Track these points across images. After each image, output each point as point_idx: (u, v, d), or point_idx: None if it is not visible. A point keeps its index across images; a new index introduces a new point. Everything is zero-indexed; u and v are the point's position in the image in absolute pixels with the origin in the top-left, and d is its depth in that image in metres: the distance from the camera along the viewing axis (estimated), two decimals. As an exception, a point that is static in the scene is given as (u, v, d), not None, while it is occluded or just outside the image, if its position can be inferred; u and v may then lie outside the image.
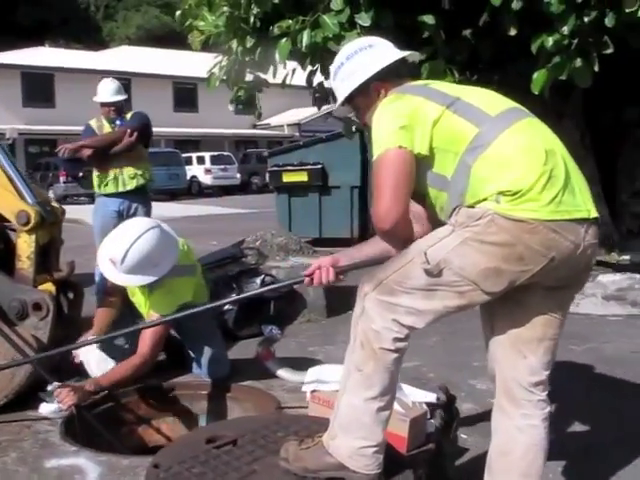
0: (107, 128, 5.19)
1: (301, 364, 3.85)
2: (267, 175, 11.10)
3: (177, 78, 33.89)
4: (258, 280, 5.14)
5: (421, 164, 2.00)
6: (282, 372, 3.49)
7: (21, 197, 3.04)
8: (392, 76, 2.16)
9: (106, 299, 3.39)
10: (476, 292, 1.93)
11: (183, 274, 3.23)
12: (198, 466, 2.31)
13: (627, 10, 3.67)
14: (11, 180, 3.07)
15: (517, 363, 2.11)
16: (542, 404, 2.12)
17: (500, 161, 1.90)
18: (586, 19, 3.85)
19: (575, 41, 3.92)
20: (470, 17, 4.44)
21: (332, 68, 2.30)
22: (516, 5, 4.06)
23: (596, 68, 4.07)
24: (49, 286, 3.11)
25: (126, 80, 32.73)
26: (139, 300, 3.34)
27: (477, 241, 1.88)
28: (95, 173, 5.28)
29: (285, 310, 5.15)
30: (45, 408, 3.05)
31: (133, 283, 3.08)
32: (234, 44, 5.17)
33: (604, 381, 3.90)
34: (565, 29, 3.87)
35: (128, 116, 5.30)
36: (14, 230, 3.33)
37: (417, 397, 2.75)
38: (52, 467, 2.51)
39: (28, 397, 3.06)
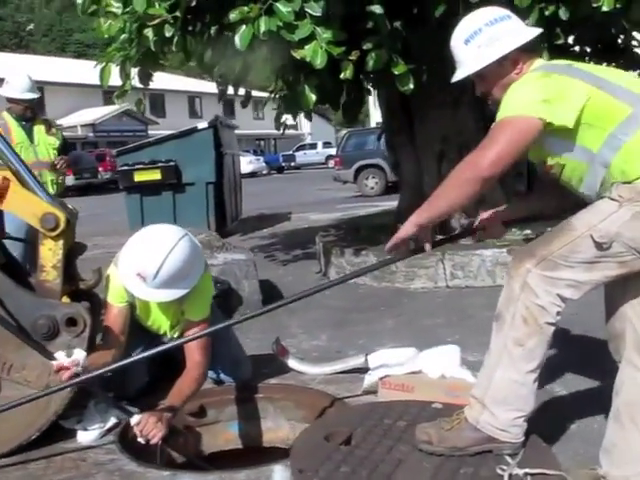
0: (15, 129, 4.57)
1: (311, 358, 3.78)
2: (118, 175, 10.42)
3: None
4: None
5: (565, 136, 2.09)
6: (303, 366, 3.39)
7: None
8: (528, 50, 2.21)
9: (108, 337, 2.82)
10: (637, 261, 2.06)
11: (206, 269, 3.01)
12: (343, 465, 2.21)
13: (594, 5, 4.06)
14: (21, 178, 2.64)
15: None
16: None
17: None
18: (546, 12, 4.20)
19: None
20: (404, 7, 4.60)
21: (461, 33, 2.24)
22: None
23: (545, 58, 4.40)
24: (65, 298, 2.72)
25: None
26: (157, 317, 3.02)
27: None
28: None
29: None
30: (85, 437, 2.69)
31: (163, 299, 2.73)
32: (150, 33, 4.82)
33: None
34: (530, 20, 4.17)
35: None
36: (10, 238, 2.90)
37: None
38: (160, 497, 2.23)
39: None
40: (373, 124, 38.67)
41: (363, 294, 5.71)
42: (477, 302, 5.17)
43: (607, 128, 2.05)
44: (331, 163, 40.47)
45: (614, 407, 2.33)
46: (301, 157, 42.19)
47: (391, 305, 5.20)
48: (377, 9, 4.33)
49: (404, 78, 4.40)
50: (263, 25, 4.04)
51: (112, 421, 2.77)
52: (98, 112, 31.83)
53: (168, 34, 4.76)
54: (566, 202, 2.39)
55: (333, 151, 42.31)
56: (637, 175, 2.01)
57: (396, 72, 4.38)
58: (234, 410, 3.19)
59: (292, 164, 40.65)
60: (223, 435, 3.19)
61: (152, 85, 6.12)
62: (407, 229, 2.25)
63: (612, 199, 2.05)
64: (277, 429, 3.18)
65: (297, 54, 4.20)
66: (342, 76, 4.36)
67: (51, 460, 2.53)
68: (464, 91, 6.11)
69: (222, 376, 3.24)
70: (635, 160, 2.02)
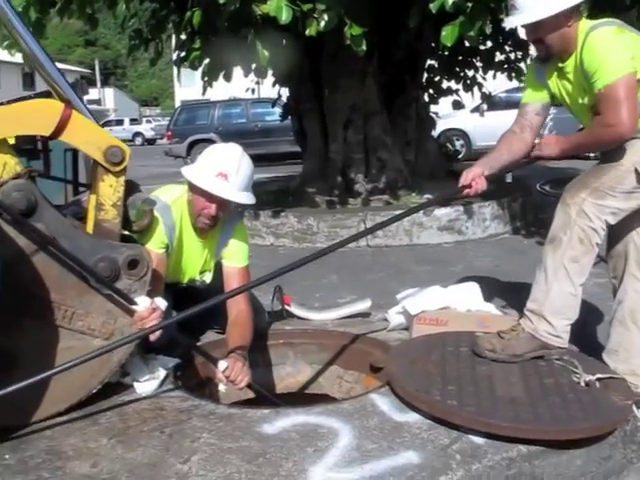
0: None
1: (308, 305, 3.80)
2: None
3: None
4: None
5: None
6: (309, 313, 3.44)
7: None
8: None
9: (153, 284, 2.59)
10: None
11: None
12: (447, 385, 2.35)
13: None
14: (75, 107, 2.39)
15: None
16: None
17: None
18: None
19: (470, 4, 4.52)
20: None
21: None
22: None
23: (488, 30, 4.74)
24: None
25: None
26: (189, 262, 2.94)
27: None
28: None
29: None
30: (144, 388, 2.54)
31: (246, 200, 2.72)
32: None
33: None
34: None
35: None
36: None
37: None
38: (278, 432, 2.17)
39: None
40: (178, 103, 38.05)
41: (285, 255, 5.77)
42: (402, 259, 5.49)
43: None
44: (139, 140, 39.49)
45: (619, 314, 2.78)
46: (107, 134, 40.21)
47: (321, 263, 5.32)
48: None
49: (358, 40, 4.52)
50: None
51: (162, 371, 2.64)
52: None
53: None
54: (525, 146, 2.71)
55: (140, 128, 41.06)
56: None
57: (352, 33, 4.48)
58: (253, 358, 3.15)
59: (99, 140, 38.56)
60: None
61: None
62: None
63: None
64: (297, 374, 3.21)
65: (260, 9, 4.15)
66: (307, 33, 4.38)
67: (122, 413, 2.36)
68: (370, 62, 6.39)
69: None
70: None
